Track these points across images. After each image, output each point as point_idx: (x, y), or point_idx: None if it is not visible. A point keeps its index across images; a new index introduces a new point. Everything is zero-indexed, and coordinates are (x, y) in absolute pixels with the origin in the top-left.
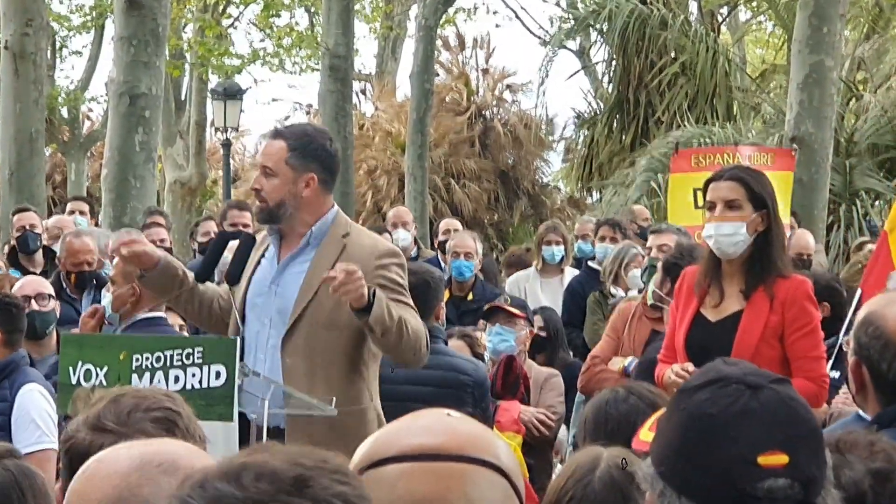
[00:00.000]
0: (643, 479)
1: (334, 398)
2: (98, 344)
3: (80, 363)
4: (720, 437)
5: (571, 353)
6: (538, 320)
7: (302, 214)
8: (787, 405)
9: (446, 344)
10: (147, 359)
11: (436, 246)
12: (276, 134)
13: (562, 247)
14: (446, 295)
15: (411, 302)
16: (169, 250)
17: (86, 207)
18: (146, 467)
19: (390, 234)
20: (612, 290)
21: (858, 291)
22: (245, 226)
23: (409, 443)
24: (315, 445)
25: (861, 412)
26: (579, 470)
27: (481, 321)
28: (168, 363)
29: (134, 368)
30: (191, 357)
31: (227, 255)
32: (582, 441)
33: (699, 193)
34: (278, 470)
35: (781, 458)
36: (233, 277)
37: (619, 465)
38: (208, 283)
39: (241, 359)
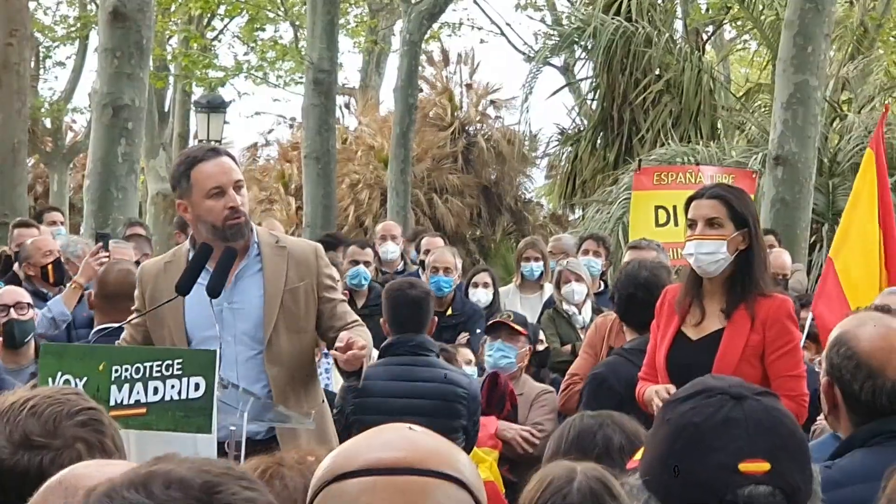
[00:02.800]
0: (629, 492)
1: (313, 412)
2: (78, 354)
3: (59, 373)
4: (703, 446)
5: None
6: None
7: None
8: (770, 415)
9: (438, 357)
10: (126, 370)
11: (418, 262)
12: (217, 151)
13: (541, 263)
14: None
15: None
16: None
17: (61, 217)
18: None
19: (376, 247)
20: (566, 307)
21: (810, 315)
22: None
23: (370, 457)
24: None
25: (835, 432)
26: (556, 481)
27: (461, 336)
28: (147, 374)
29: (113, 379)
30: (170, 368)
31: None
32: (553, 457)
33: (660, 211)
34: (186, 477)
35: (763, 466)
36: (184, 288)
37: (596, 476)
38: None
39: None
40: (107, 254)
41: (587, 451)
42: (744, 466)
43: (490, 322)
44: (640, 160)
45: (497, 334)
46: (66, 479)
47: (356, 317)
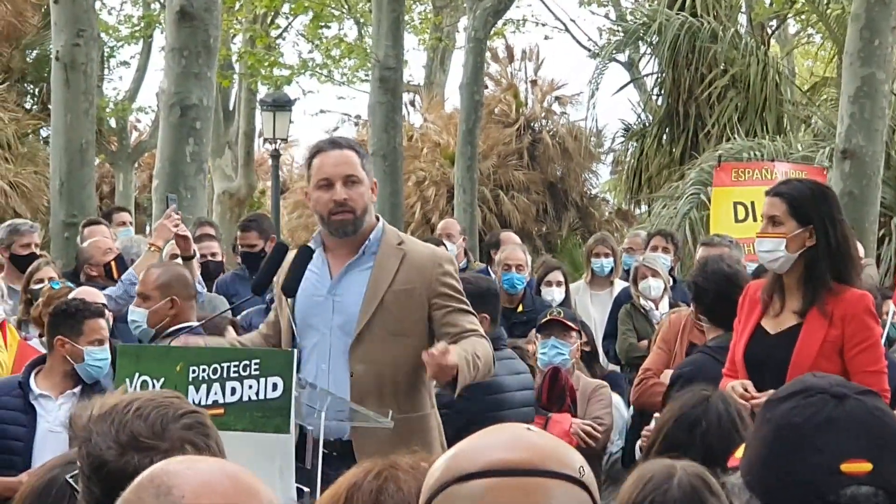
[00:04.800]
0: (731, 491)
1: (391, 411)
2: (155, 355)
3: (136, 375)
4: (805, 446)
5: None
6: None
7: (368, 222)
8: (872, 415)
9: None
10: (204, 370)
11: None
12: (338, 144)
13: (611, 259)
14: None
15: (470, 306)
16: (220, 263)
17: (129, 217)
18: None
19: (445, 245)
20: (643, 302)
21: (891, 307)
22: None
23: (493, 458)
24: (383, 453)
25: None
26: (657, 477)
27: (534, 332)
28: (225, 375)
29: (190, 380)
30: (247, 369)
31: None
32: (651, 454)
33: (739, 207)
34: None
35: (865, 466)
36: (289, 290)
37: (696, 473)
38: (249, 336)
39: (299, 370)
40: (178, 216)
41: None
42: (846, 467)
43: (543, 319)
44: (720, 156)
45: (549, 332)
46: (158, 477)
47: (476, 327)
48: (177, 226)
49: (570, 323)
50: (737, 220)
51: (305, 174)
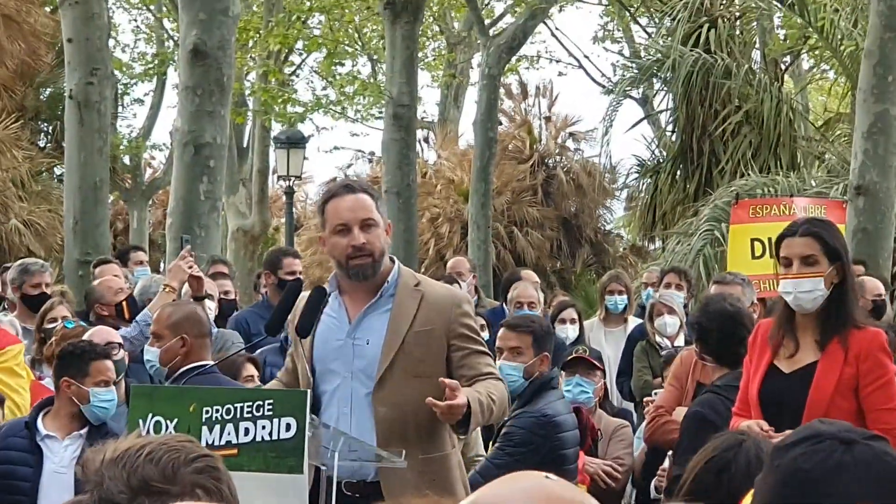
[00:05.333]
0: None
1: (403, 451)
2: (168, 396)
3: (150, 415)
4: (814, 492)
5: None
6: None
7: (385, 264)
8: (881, 460)
9: None
10: (217, 411)
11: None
12: (351, 188)
13: (625, 296)
14: None
15: (486, 348)
16: (233, 302)
17: (145, 256)
18: None
19: (459, 284)
20: (658, 339)
21: None
22: (299, 273)
23: None
24: (409, 493)
25: None
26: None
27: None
28: (238, 415)
29: (204, 420)
30: (261, 409)
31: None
32: (679, 495)
33: (756, 243)
34: None
35: None
36: (304, 330)
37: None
38: (269, 385)
39: (317, 413)
40: (192, 256)
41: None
42: None
43: (568, 357)
44: (736, 193)
45: (574, 369)
46: None
47: (492, 369)
48: (191, 267)
49: (595, 361)
50: (753, 257)
51: (319, 220)
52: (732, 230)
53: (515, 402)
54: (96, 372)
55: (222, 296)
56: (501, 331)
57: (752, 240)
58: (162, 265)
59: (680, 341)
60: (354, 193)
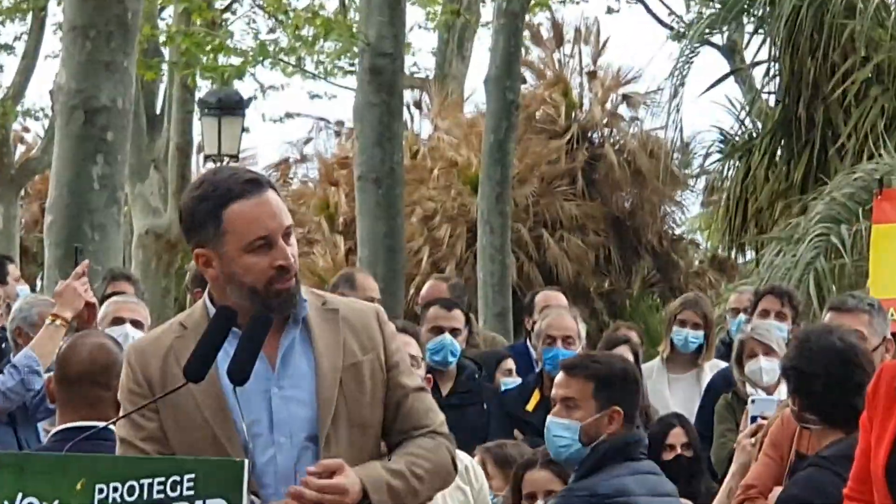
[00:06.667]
0: None
1: None
2: (44, 468)
3: (19, 496)
4: None
5: None
6: (679, 434)
7: None
8: None
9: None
10: (115, 490)
11: (530, 328)
12: (259, 182)
13: (701, 331)
14: (536, 396)
15: (421, 379)
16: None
17: (16, 271)
18: None
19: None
20: (750, 391)
21: None
22: None
23: None
24: None
25: None
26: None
27: None
28: (146, 497)
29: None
30: (178, 487)
31: None
32: None
33: None
34: None
35: None
36: (196, 371)
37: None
38: None
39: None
40: (84, 273)
41: None
42: None
43: None
44: (880, 180)
45: None
46: None
47: (435, 414)
48: (87, 290)
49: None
50: None
51: (206, 231)
52: (875, 231)
53: (574, 475)
54: None
55: (131, 325)
56: (558, 375)
57: None
58: (38, 283)
59: (781, 393)
60: (265, 191)
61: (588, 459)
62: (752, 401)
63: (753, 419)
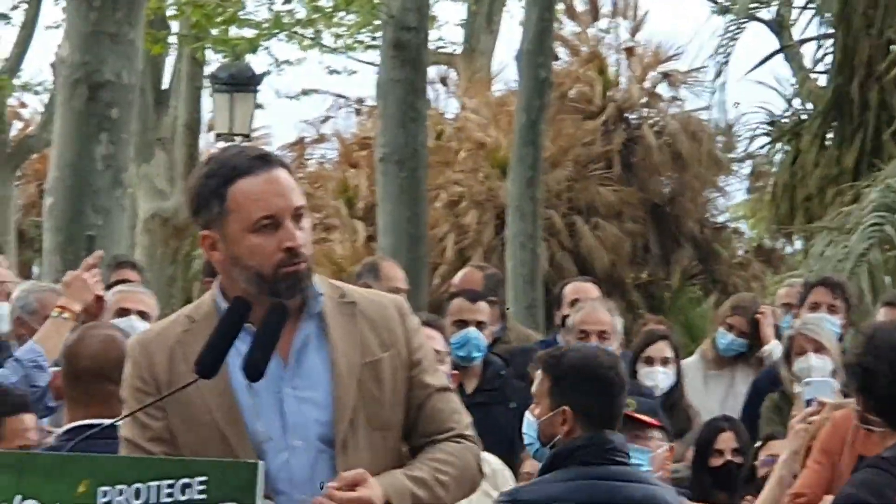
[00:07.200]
0: None
1: None
2: (45, 469)
3: (18, 498)
4: None
5: None
6: (729, 438)
7: None
8: None
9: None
10: (121, 493)
11: (559, 322)
12: (268, 160)
13: (746, 340)
14: None
15: (447, 378)
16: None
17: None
18: None
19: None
20: (799, 390)
21: None
22: None
23: None
24: None
25: None
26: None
27: None
28: (152, 500)
29: None
30: (187, 491)
31: None
32: None
33: None
34: None
35: None
36: (208, 367)
37: None
38: None
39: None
40: (96, 264)
41: None
42: None
43: None
44: None
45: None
46: None
47: (461, 416)
48: (97, 281)
49: (646, 419)
50: None
51: (212, 210)
52: None
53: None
54: (12, 434)
55: (136, 315)
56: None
57: None
58: (35, 269)
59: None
60: (274, 168)
61: (546, 461)
62: (807, 382)
63: (808, 403)
